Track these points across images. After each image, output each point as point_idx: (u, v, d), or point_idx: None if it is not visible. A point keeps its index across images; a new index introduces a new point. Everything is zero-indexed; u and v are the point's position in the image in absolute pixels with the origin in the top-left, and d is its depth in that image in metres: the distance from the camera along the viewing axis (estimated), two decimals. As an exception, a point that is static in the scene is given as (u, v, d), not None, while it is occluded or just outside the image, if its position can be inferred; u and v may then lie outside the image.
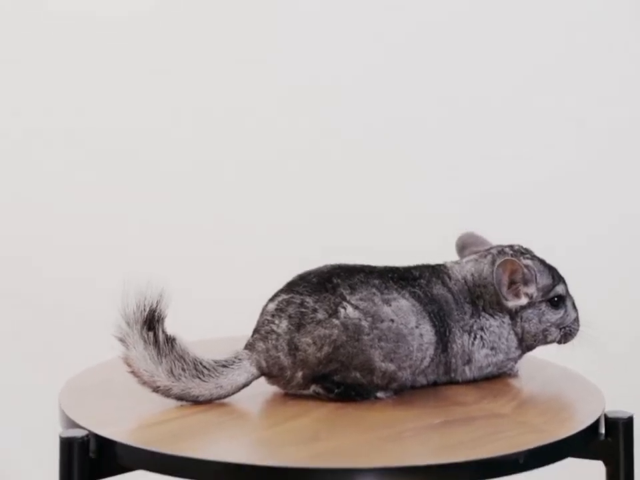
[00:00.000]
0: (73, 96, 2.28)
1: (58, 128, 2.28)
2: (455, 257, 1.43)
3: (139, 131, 2.29)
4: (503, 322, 1.36)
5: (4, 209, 2.26)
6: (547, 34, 2.29)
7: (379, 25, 2.30)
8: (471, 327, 1.35)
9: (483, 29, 2.29)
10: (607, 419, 1.27)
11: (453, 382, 1.36)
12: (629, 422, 1.27)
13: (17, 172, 2.27)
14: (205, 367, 1.30)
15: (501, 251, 1.38)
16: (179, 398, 1.30)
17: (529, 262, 1.36)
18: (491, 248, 1.40)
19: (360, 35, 2.30)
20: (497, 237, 1.43)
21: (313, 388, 1.31)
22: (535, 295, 1.36)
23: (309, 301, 1.31)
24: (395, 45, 2.29)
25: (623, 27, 2.28)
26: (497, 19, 2.30)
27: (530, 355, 1.40)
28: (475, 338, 1.35)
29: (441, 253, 1.44)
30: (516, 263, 1.34)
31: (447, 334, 1.34)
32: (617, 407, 1.28)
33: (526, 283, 1.35)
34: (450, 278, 1.37)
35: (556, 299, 1.37)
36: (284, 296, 1.33)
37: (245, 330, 1.36)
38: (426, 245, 1.57)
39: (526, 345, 1.37)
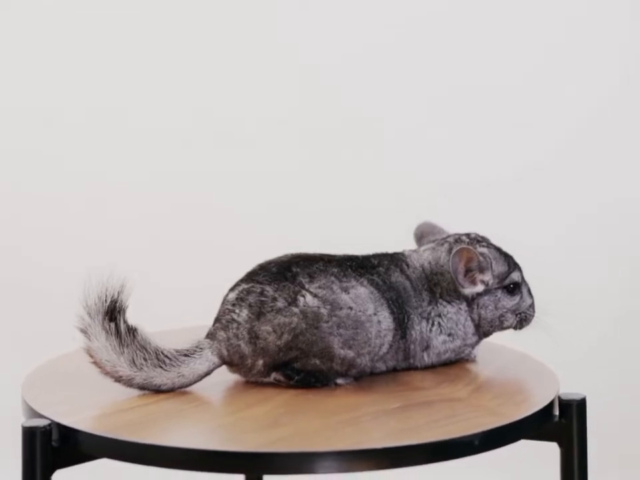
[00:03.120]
0: (54, 85, 2.31)
1: (33, 115, 2.30)
2: (414, 246, 1.45)
3: (116, 119, 2.31)
4: (460, 309, 1.38)
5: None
6: (525, 29, 2.32)
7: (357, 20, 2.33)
8: (429, 313, 1.38)
9: (467, 22, 2.33)
10: (560, 400, 1.29)
11: (411, 368, 1.38)
12: (582, 403, 1.29)
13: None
14: (166, 356, 1.31)
15: (458, 239, 1.41)
16: (141, 387, 1.31)
17: (484, 250, 1.38)
18: (448, 236, 1.42)
19: (345, 27, 2.33)
20: (470, 223, 1.46)
21: (274, 375, 1.33)
22: (490, 282, 1.38)
23: (269, 289, 1.33)
24: (377, 37, 2.32)
25: (597, 25, 2.33)
26: (479, 17, 2.33)
27: (487, 340, 1.42)
28: (432, 324, 1.38)
29: (401, 242, 1.47)
30: (471, 251, 1.36)
31: (406, 321, 1.36)
32: (570, 389, 1.31)
33: (482, 270, 1.38)
34: (408, 266, 1.39)
35: (511, 285, 1.39)
36: (244, 285, 1.35)
37: (206, 319, 1.37)
38: (386, 235, 1.59)
39: (483, 331, 1.40)
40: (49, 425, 1.22)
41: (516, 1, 2.34)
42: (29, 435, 1.21)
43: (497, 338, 1.42)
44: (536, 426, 1.26)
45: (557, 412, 1.29)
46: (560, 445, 1.30)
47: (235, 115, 2.32)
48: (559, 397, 1.29)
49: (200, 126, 2.32)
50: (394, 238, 1.48)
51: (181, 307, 2.02)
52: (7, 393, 1.57)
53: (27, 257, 2.26)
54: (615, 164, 2.33)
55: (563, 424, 1.29)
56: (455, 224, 1.46)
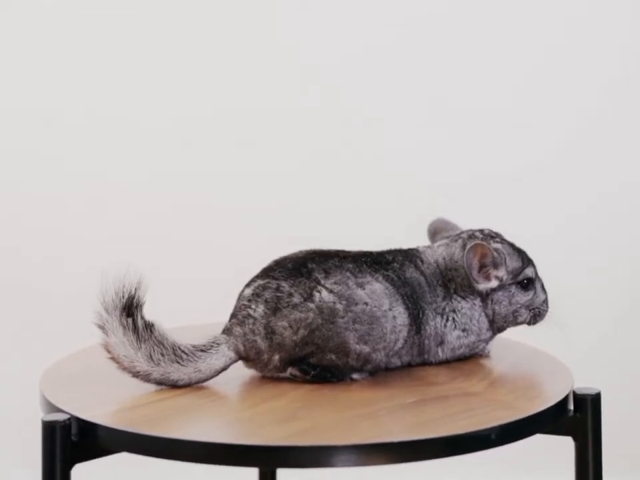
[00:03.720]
0: (54, 85, 2.31)
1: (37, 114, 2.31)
2: (426, 243, 1.46)
3: (116, 119, 2.31)
4: (474, 304, 1.39)
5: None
6: (525, 29, 2.33)
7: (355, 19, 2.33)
8: (443, 309, 1.39)
9: (467, 22, 2.33)
10: (575, 395, 1.31)
11: (426, 363, 1.39)
12: (596, 398, 1.30)
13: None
14: (183, 351, 1.32)
15: (472, 235, 1.42)
16: (159, 382, 1.32)
17: (498, 245, 1.40)
18: (462, 232, 1.43)
19: (345, 24, 2.33)
20: (470, 222, 1.47)
21: (290, 370, 1.34)
22: (504, 278, 1.39)
23: (285, 285, 1.34)
24: (377, 37, 2.33)
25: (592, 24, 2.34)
26: (479, 17, 2.34)
27: (500, 335, 1.44)
28: (447, 320, 1.39)
29: (412, 239, 1.48)
30: (486, 246, 1.37)
31: (420, 316, 1.37)
32: (584, 384, 1.32)
33: (496, 266, 1.39)
34: (422, 262, 1.40)
35: (525, 281, 1.40)
36: (260, 281, 1.36)
37: (222, 316, 1.38)
38: (397, 232, 1.60)
39: (497, 326, 1.41)
40: (69, 419, 1.23)
41: (516, 1, 2.35)
42: (49, 429, 1.22)
43: (509, 333, 1.43)
44: (552, 420, 1.27)
45: (571, 406, 1.30)
46: (575, 439, 1.31)
47: (234, 115, 2.32)
48: (574, 392, 1.31)
49: (200, 126, 2.33)
50: (394, 238, 1.49)
51: (195, 303, 2.02)
52: (24, 388, 1.58)
53: (40, 259, 2.26)
54: (614, 164, 2.35)
55: (577, 418, 1.30)
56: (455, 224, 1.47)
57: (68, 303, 2.05)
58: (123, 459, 1.31)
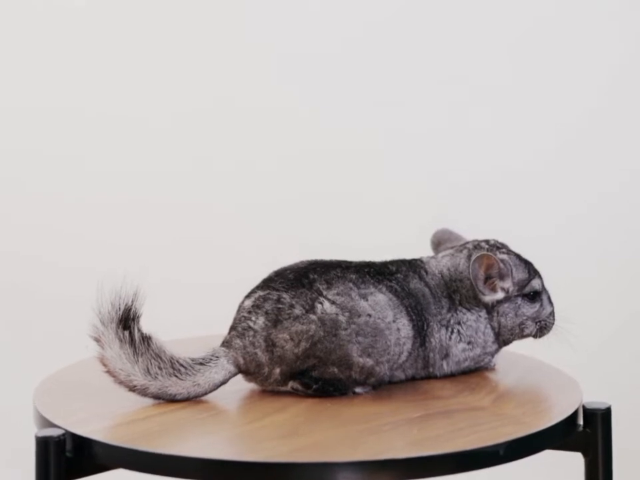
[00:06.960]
0: (61, 87, 2.29)
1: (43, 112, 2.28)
2: (430, 253, 1.43)
3: (117, 119, 2.29)
4: (479, 316, 1.36)
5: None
6: (523, 29, 2.32)
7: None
8: (448, 321, 1.35)
9: (467, 22, 2.32)
10: (585, 410, 1.27)
11: (431, 376, 1.36)
12: (606, 413, 1.27)
13: None
14: (181, 365, 1.29)
15: (477, 245, 1.39)
16: (156, 397, 1.29)
17: (504, 256, 1.36)
18: (467, 242, 1.40)
19: (339, 13, 2.31)
20: (471, 226, 1.44)
21: (291, 384, 1.31)
22: (511, 289, 1.36)
23: (286, 296, 1.31)
24: (372, 27, 2.31)
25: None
26: (478, 17, 2.32)
27: (506, 349, 1.40)
28: (452, 332, 1.35)
29: (415, 247, 1.45)
30: (492, 257, 1.34)
31: (425, 328, 1.34)
32: (593, 399, 1.29)
33: (502, 277, 1.35)
34: (427, 272, 1.37)
35: (532, 293, 1.37)
36: (260, 292, 1.32)
37: (221, 328, 1.35)
38: (399, 239, 1.58)
39: (502, 339, 1.38)
40: (63, 434, 1.19)
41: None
42: (43, 445, 1.18)
43: (515, 346, 1.40)
44: (561, 435, 1.23)
45: (581, 421, 1.27)
46: (585, 455, 1.28)
47: (234, 116, 2.30)
48: (584, 406, 1.27)
49: (199, 125, 2.30)
50: (391, 246, 1.46)
51: (194, 314, 1.99)
52: (18, 402, 1.54)
53: (34, 263, 2.23)
54: (614, 164, 2.32)
55: (587, 433, 1.27)
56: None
57: (62, 314, 2.02)
58: (119, 475, 1.28)
